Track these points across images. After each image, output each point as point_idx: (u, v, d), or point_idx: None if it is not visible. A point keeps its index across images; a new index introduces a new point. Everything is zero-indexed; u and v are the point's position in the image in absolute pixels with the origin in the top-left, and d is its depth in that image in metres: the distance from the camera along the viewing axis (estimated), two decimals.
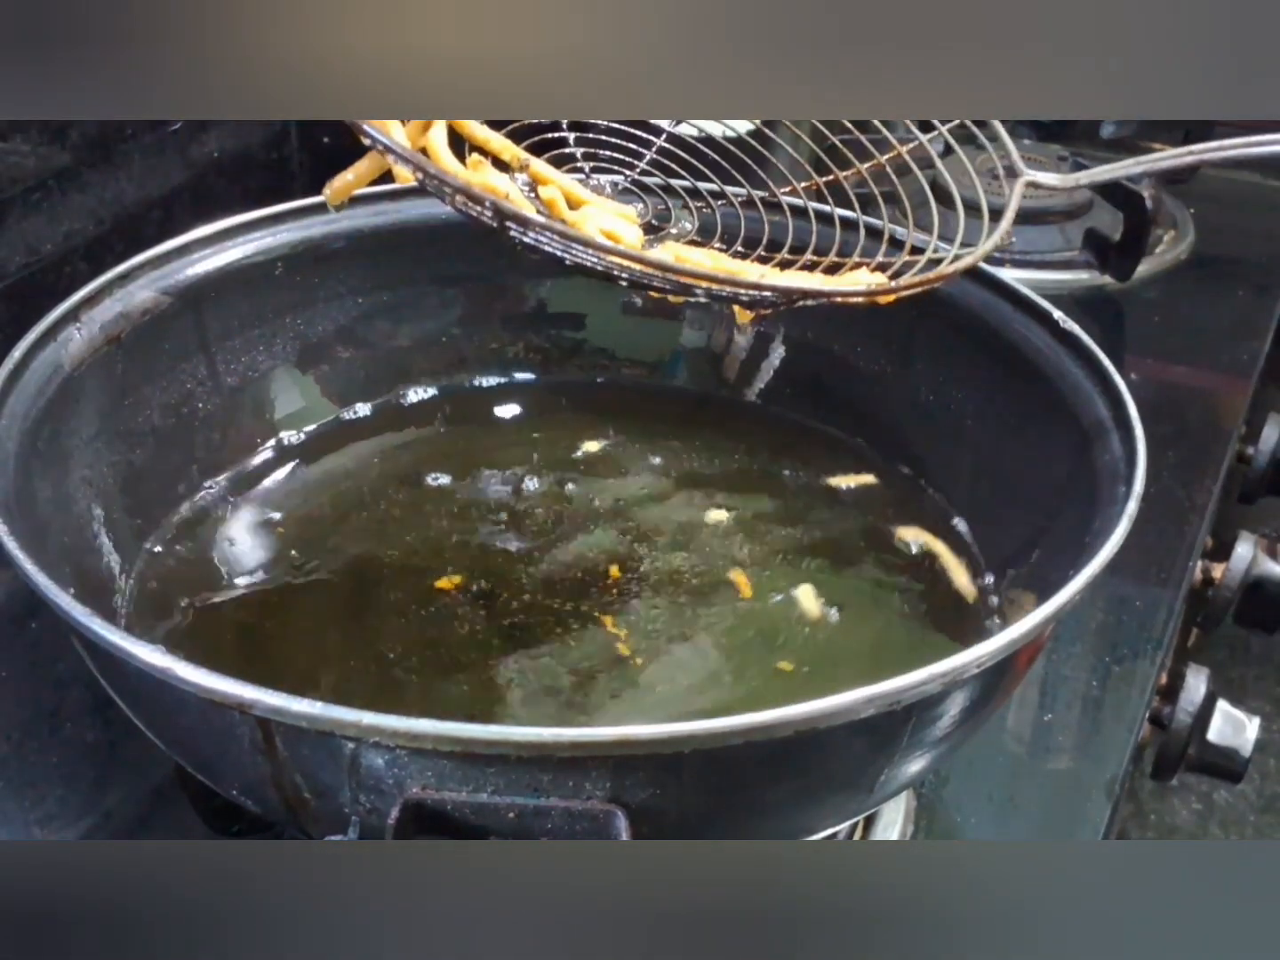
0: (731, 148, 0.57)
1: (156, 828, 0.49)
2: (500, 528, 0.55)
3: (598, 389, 0.63)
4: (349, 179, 0.44)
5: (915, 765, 0.40)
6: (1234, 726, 0.60)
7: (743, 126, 1.11)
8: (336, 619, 0.50)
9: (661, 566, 0.53)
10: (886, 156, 0.61)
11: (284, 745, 0.35)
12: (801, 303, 0.41)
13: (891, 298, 0.42)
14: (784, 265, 0.48)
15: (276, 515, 0.55)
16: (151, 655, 0.35)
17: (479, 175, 0.44)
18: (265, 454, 0.58)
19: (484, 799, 0.34)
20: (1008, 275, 0.54)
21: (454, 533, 0.54)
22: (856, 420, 0.59)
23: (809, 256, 0.49)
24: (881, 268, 0.48)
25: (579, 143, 0.51)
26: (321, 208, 0.58)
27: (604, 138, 0.53)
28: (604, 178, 0.51)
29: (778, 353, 0.62)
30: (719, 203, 0.59)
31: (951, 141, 0.70)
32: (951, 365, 0.56)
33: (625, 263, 0.38)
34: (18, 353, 0.46)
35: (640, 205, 0.51)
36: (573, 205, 0.47)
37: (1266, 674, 1.39)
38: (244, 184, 0.77)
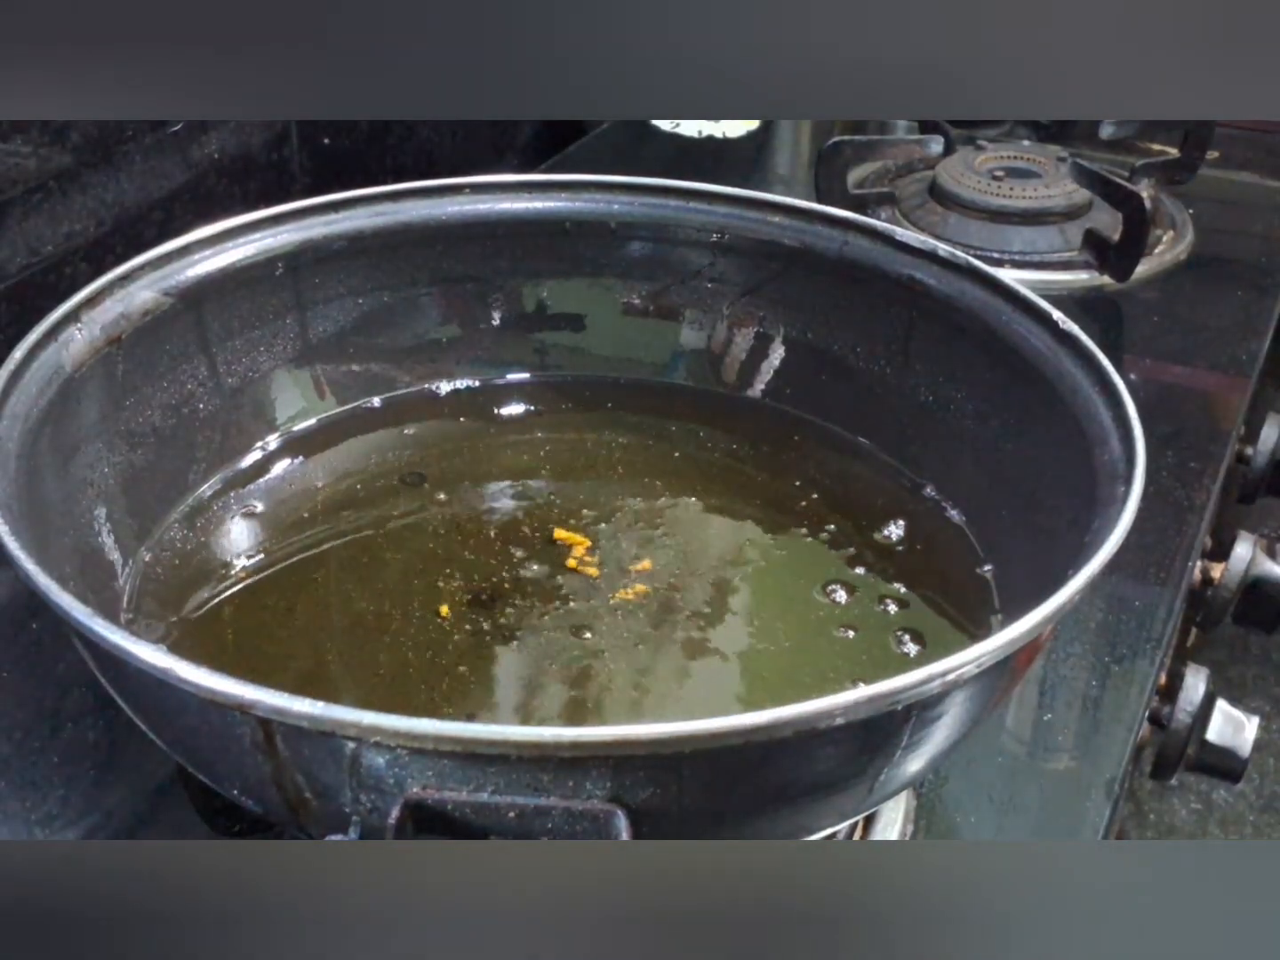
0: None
1: (157, 828, 0.49)
2: (500, 527, 0.55)
3: (598, 389, 0.63)
4: None
5: (915, 765, 0.40)
6: (1233, 726, 0.60)
7: (741, 128, 1.11)
8: (337, 619, 0.50)
9: (665, 566, 0.53)
10: None
11: (285, 745, 0.35)
12: None
13: None
14: None
15: (277, 515, 0.55)
16: (152, 655, 0.35)
17: None
18: (266, 454, 0.58)
19: (484, 798, 0.34)
20: (1007, 275, 0.54)
21: (453, 532, 0.54)
22: (856, 420, 0.59)
23: None
24: None
25: None
26: (323, 208, 0.58)
27: None
28: None
29: (777, 353, 0.62)
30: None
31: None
32: (950, 365, 0.56)
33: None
34: (19, 353, 0.46)
35: None
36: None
37: (1266, 673, 1.40)
38: (245, 185, 0.77)
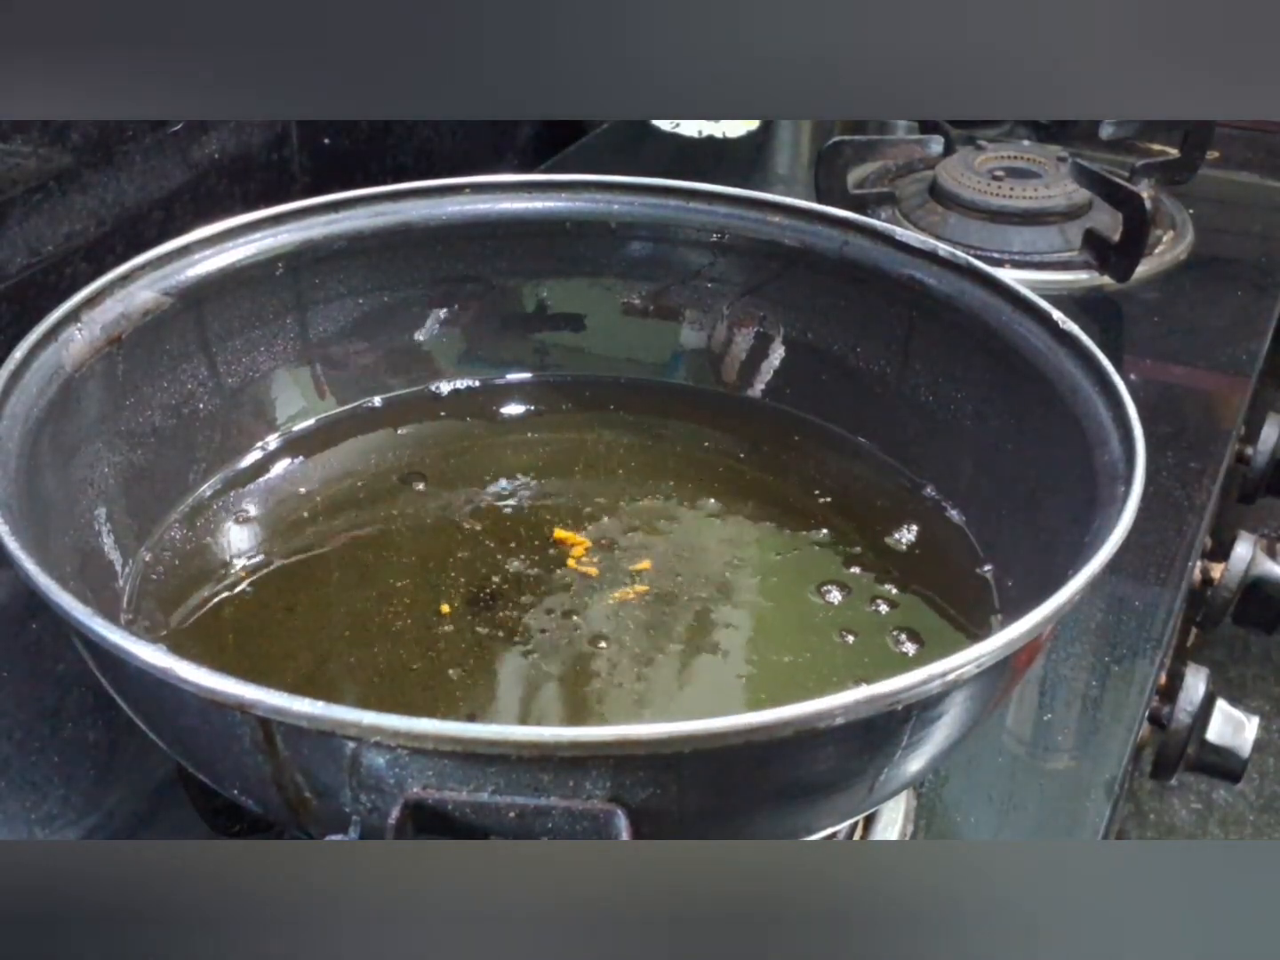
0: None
1: (157, 828, 0.49)
2: (500, 527, 0.55)
3: (598, 389, 0.63)
4: None
5: (915, 765, 0.40)
6: (1233, 726, 0.60)
7: (741, 128, 1.11)
8: (337, 619, 0.50)
9: (665, 565, 0.53)
10: None
11: (285, 745, 0.35)
12: None
13: None
14: None
15: (277, 515, 0.55)
16: (152, 655, 0.35)
17: None
18: (266, 454, 0.58)
19: (484, 798, 0.34)
20: (1007, 275, 0.54)
21: (453, 533, 0.54)
22: (856, 420, 0.59)
23: None
24: None
25: None
26: (323, 208, 0.58)
27: None
28: None
29: (777, 353, 0.62)
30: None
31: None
32: (951, 365, 0.56)
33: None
34: (19, 353, 0.46)
35: None
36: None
37: (1266, 674, 1.40)
38: (245, 185, 0.77)
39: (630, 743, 0.33)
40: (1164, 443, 0.70)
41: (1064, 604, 0.38)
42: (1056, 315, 0.51)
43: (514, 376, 0.64)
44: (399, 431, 0.60)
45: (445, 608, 0.50)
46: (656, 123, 1.09)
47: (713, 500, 0.57)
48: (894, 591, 0.52)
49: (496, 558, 0.53)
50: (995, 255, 0.85)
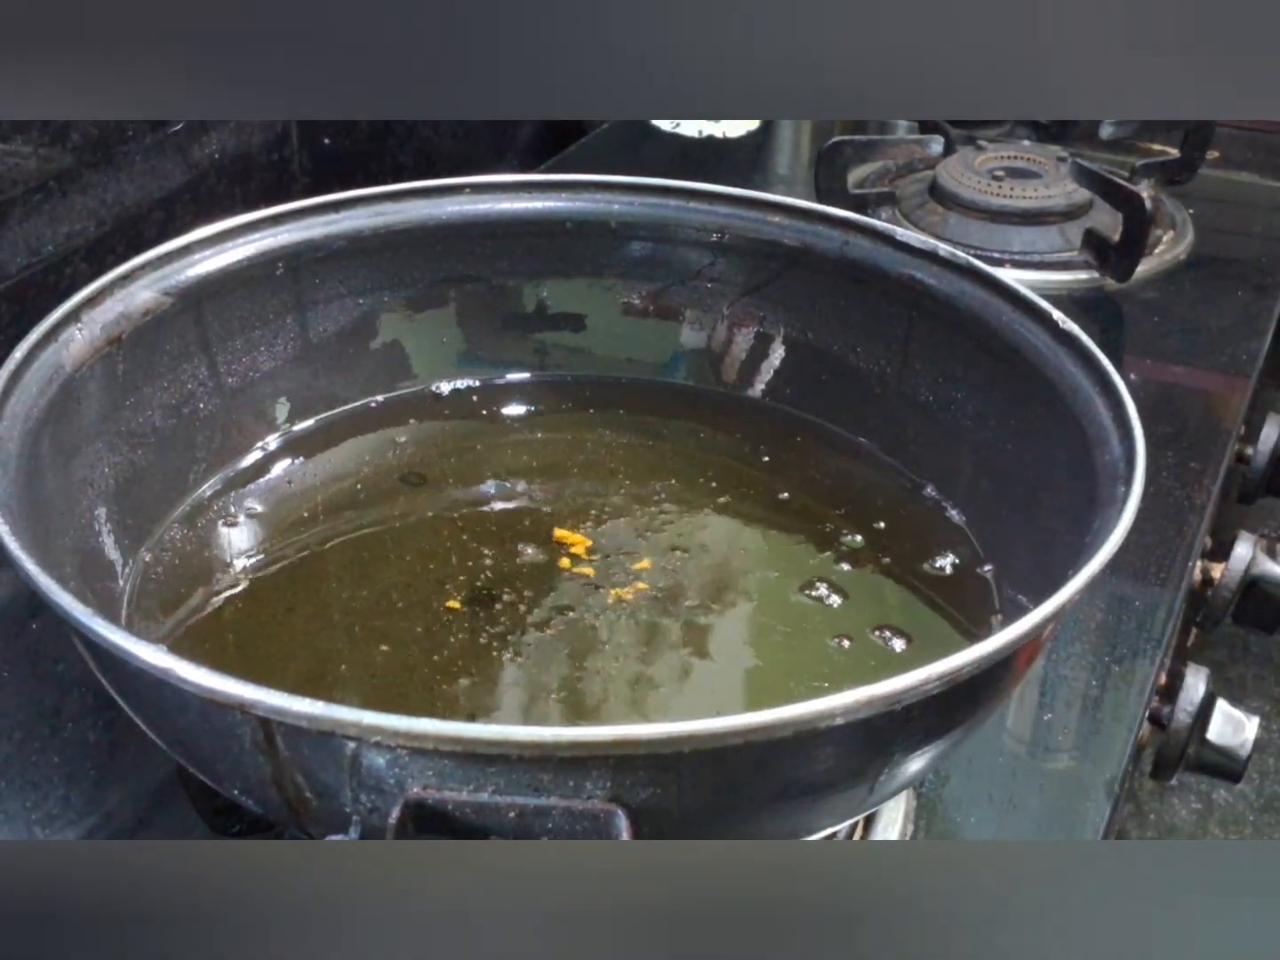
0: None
1: (157, 828, 0.49)
2: (500, 527, 0.55)
3: (598, 389, 0.63)
4: None
5: (915, 765, 0.40)
6: (1233, 726, 0.60)
7: (741, 128, 1.11)
8: (337, 619, 0.50)
9: (665, 565, 0.53)
10: None
11: (285, 745, 0.35)
12: None
13: None
14: None
15: (277, 515, 0.55)
16: (152, 655, 0.35)
17: None
18: (266, 454, 0.58)
19: (485, 798, 0.34)
20: (1007, 275, 0.54)
21: (453, 533, 0.54)
22: (856, 420, 0.59)
23: None
24: None
25: None
26: (323, 208, 0.58)
27: None
28: None
29: (777, 353, 0.62)
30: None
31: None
32: (950, 365, 0.56)
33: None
34: (19, 353, 0.46)
35: None
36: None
37: (1266, 674, 1.39)
38: (245, 185, 0.77)
39: (630, 743, 0.33)
40: (1164, 443, 0.70)
41: (1064, 604, 0.38)
42: (1056, 315, 0.51)
43: (514, 376, 0.64)
44: (399, 431, 0.60)
45: (445, 608, 0.50)
46: (656, 123, 1.09)
47: (712, 500, 0.57)
48: (894, 592, 0.52)
49: (496, 558, 0.53)
50: (995, 255, 0.85)
